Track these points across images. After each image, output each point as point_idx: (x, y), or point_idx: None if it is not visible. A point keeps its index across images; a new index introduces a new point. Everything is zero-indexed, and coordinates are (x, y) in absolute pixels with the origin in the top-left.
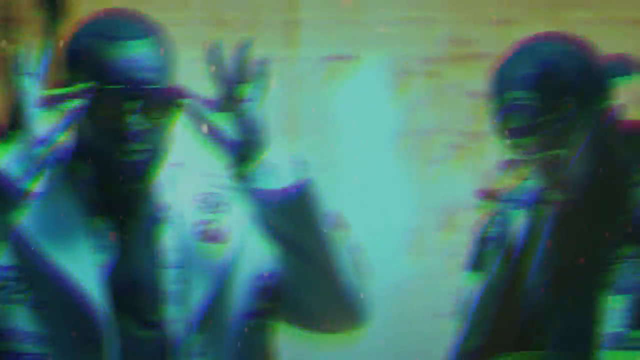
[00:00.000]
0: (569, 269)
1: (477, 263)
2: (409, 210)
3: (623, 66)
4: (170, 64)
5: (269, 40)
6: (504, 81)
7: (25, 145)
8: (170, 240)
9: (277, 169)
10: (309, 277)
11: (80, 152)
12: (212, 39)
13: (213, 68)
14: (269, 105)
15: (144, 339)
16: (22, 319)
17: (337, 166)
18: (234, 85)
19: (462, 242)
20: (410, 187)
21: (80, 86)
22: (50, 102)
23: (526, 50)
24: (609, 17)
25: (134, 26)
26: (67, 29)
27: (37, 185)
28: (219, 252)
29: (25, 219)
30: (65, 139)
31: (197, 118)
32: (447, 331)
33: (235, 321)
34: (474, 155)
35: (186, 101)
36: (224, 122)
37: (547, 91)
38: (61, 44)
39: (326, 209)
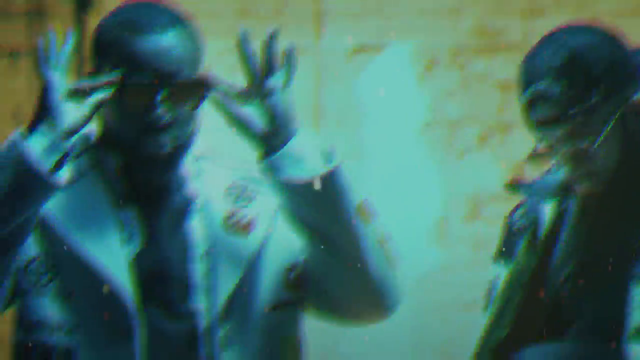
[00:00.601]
0: (596, 260)
1: (505, 253)
2: (437, 200)
3: None
4: (199, 55)
5: (296, 30)
6: (532, 72)
7: (55, 136)
8: (199, 231)
9: (305, 158)
10: (337, 267)
11: (109, 143)
12: (240, 29)
13: (242, 58)
14: (296, 95)
15: (172, 329)
16: (51, 309)
17: (364, 156)
18: (263, 75)
19: (491, 233)
20: (439, 177)
21: (109, 77)
22: (79, 93)
23: (555, 40)
24: (637, 7)
25: (163, 16)
26: (96, 20)
27: (66, 176)
28: (248, 242)
29: (54, 208)
30: (94, 129)
31: (226, 108)
32: (476, 322)
33: (263, 313)
34: (502, 146)
35: (215, 91)
36: (252, 112)
37: (576, 82)
38: (90, 35)
39: (355, 198)
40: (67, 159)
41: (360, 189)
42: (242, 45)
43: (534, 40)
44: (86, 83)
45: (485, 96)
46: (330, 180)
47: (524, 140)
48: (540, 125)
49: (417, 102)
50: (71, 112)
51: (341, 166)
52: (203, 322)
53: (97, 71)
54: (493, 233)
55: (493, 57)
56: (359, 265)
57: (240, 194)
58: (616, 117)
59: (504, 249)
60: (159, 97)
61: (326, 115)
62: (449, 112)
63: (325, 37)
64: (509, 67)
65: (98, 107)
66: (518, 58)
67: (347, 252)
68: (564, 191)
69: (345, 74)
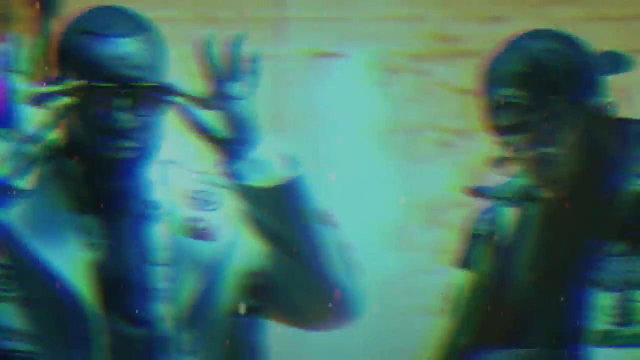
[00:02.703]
0: (557, 267)
1: (464, 260)
2: (395, 207)
3: (612, 63)
4: (160, 61)
5: (255, 36)
6: (493, 79)
7: (14, 143)
8: (159, 238)
9: (266, 165)
10: (297, 274)
11: (69, 149)
12: (203, 35)
13: (203, 65)
14: (257, 102)
15: (133, 336)
16: (12, 317)
17: (324, 163)
18: (224, 82)
19: (450, 239)
20: (398, 184)
21: (69, 83)
22: (39, 99)
23: (516, 46)
24: (597, 14)
25: (124, 23)
26: (58, 26)
27: (26, 183)
28: (209, 249)
29: (14, 216)
30: (54, 136)
31: (187, 115)
32: (435, 328)
33: (224, 319)
34: (462, 152)
35: (176, 98)
36: (213, 120)
37: (537, 89)
38: (51, 41)
39: (314, 205)
40: (27, 164)
41: (320, 195)
42: (204, 50)
43: (494, 47)
44: (48, 88)
45: (445, 103)
46: (291, 186)
47: (484, 147)
48: (502, 132)
49: (377, 108)
50: (32, 118)
51: (301, 173)
52: (164, 328)
53: (58, 76)
54: (452, 240)
55: (452, 64)
56: (320, 272)
57: (202, 202)
58: (579, 124)
59: (463, 255)
60: (119, 104)
61: (286, 121)
62: (408, 119)
63: (285, 44)
64: (468, 74)
65: (59, 112)
66: (477, 65)
67: (307, 259)
68: (525, 198)
69: (305, 81)
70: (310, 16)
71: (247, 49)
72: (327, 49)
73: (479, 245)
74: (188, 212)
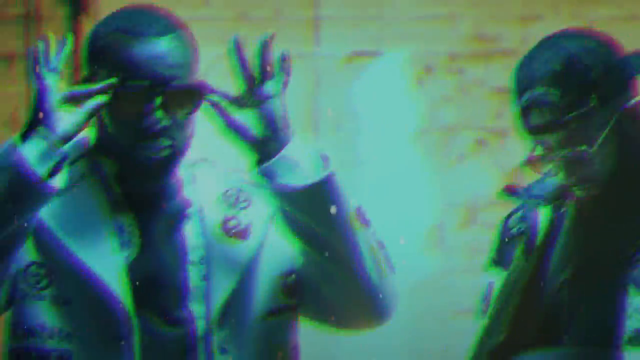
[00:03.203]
0: (592, 266)
1: (500, 259)
2: (432, 207)
3: None
4: (194, 61)
5: (291, 37)
6: (528, 78)
7: (50, 142)
8: (193, 237)
9: (300, 165)
10: (332, 274)
11: (103, 148)
12: (234, 36)
13: (236, 64)
14: (291, 101)
15: (166, 335)
16: (46, 315)
17: (360, 163)
18: (257, 81)
19: (486, 239)
20: (434, 184)
21: (103, 82)
22: (74, 99)
23: (550, 46)
24: (632, 14)
25: (158, 22)
26: (90, 25)
27: (61, 182)
28: (243, 249)
29: (49, 215)
30: (89, 135)
31: (220, 114)
32: (471, 328)
33: (257, 318)
34: (498, 152)
35: (209, 97)
36: (246, 118)
37: (571, 88)
38: (83, 40)
39: (349, 205)
40: (62, 165)
41: (355, 195)
42: (236, 51)
43: (530, 46)
44: (81, 89)
45: (481, 102)
46: (325, 187)
47: (520, 146)
48: (536, 131)
49: (413, 108)
50: (66, 118)
51: (335, 173)
52: (198, 328)
53: (91, 77)
54: (488, 239)
55: (489, 63)
56: (353, 271)
57: (234, 201)
58: (612, 122)
59: (498, 255)
60: (153, 103)
61: (321, 122)
62: (444, 119)
63: (320, 43)
64: (504, 73)
65: (93, 113)
66: (514, 64)
67: (342, 259)
68: (559, 197)
69: (341, 80)
70: (346, 16)
71: (279, 48)
72: (362, 50)
73: (515, 246)
74: (221, 212)
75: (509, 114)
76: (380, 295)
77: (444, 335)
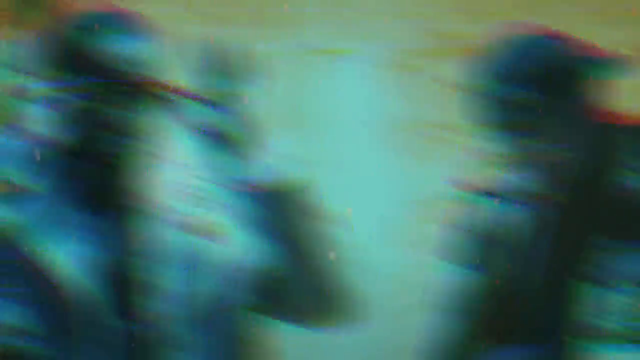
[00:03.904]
0: (564, 267)
1: (452, 254)
2: (395, 204)
3: (613, 63)
4: (160, 59)
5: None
6: (496, 77)
7: (8, 140)
8: (160, 235)
9: (264, 162)
10: (295, 271)
11: (77, 149)
12: (201, 33)
13: (202, 62)
14: (261, 100)
15: (128, 332)
16: (18, 314)
17: (325, 162)
18: (223, 79)
19: (437, 234)
20: (396, 181)
21: (64, 80)
22: (32, 96)
23: (519, 47)
24: (596, 12)
25: (120, 20)
26: (50, 22)
27: (35, 183)
28: (205, 245)
29: (23, 215)
30: (62, 135)
31: (184, 112)
32: (433, 325)
33: (220, 315)
34: (459, 150)
35: (173, 95)
36: (211, 116)
37: (540, 89)
38: (44, 37)
39: (319, 205)
40: (37, 165)
41: (325, 195)
42: (206, 50)
43: (491, 44)
44: (54, 88)
45: (436, 98)
46: (294, 186)
47: (481, 143)
48: (504, 130)
49: (368, 104)
50: (32, 117)
51: (305, 172)
52: (159, 325)
53: (52, 74)
54: (440, 234)
55: (449, 61)
56: (316, 268)
57: (197, 197)
58: (582, 123)
59: (450, 250)
60: (123, 101)
61: (284, 119)
62: (398, 114)
63: (283, 39)
64: (464, 71)
65: (67, 112)
66: (471, 60)
67: (305, 256)
68: (527, 195)
69: (301, 77)
70: (307, 13)
71: (250, 48)
72: (327, 46)
73: (483, 244)
74: (183, 208)
75: (469, 111)
76: (346, 294)
77: (407, 332)
